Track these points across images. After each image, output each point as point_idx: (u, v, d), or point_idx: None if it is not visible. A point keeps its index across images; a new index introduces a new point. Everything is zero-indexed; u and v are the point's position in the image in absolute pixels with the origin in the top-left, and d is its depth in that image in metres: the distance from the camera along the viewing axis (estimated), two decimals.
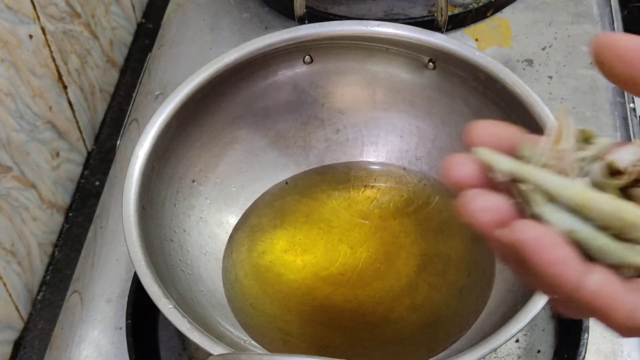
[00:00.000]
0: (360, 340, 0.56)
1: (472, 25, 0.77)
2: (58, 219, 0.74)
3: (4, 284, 0.64)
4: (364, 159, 0.66)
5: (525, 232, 0.26)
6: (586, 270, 0.26)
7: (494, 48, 0.75)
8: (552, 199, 0.27)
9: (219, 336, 0.49)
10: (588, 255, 0.26)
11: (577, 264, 0.26)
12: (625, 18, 0.81)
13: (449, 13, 0.71)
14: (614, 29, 0.76)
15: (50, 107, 0.71)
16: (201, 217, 0.61)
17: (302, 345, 0.56)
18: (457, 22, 0.76)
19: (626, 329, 0.26)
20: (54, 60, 0.72)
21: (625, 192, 0.28)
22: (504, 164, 0.27)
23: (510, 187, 0.28)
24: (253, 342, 0.56)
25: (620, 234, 0.26)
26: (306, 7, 0.67)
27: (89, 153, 0.80)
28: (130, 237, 0.51)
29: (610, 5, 0.78)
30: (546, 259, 0.25)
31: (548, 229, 0.26)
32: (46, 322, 0.68)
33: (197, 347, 0.51)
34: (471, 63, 0.59)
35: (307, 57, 0.63)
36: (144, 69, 0.77)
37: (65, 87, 0.74)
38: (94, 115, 0.81)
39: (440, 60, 0.61)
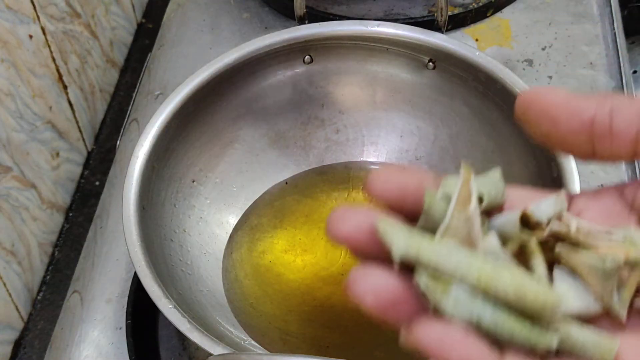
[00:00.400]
0: (360, 340, 0.56)
1: (472, 25, 0.77)
2: (58, 219, 0.74)
3: (4, 284, 0.64)
4: (364, 159, 0.66)
5: (426, 335, 0.24)
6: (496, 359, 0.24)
7: (494, 48, 0.75)
8: (454, 280, 0.24)
9: (219, 336, 0.49)
10: (499, 340, 0.25)
11: (488, 357, 0.24)
12: (625, 18, 0.81)
13: (449, 13, 0.71)
14: (614, 29, 0.76)
15: (50, 107, 0.71)
16: (201, 217, 0.61)
17: (302, 345, 0.56)
18: (457, 22, 0.76)
19: None
20: (54, 60, 0.72)
21: (545, 248, 0.27)
22: (400, 245, 0.25)
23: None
24: (253, 342, 0.56)
25: (528, 316, 0.24)
26: (306, 7, 0.67)
27: (89, 153, 0.80)
28: (130, 237, 0.51)
29: (610, 5, 0.78)
30: (452, 359, 0.24)
31: (450, 325, 0.24)
32: (46, 322, 0.68)
33: (197, 347, 0.51)
34: (471, 63, 0.59)
35: (307, 57, 0.63)
36: (144, 69, 0.77)
37: (65, 87, 0.74)
38: (94, 115, 0.81)
39: (440, 60, 0.61)
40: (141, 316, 0.58)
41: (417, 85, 0.64)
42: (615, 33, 0.76)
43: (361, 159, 0.66)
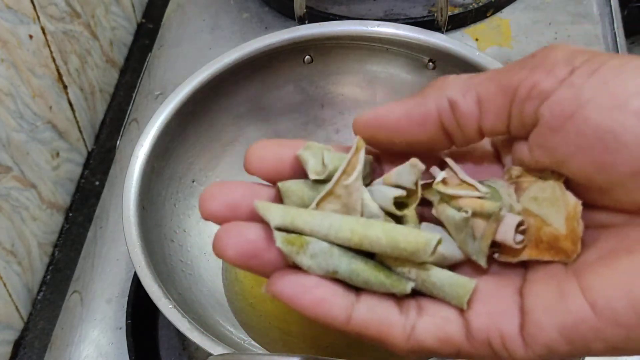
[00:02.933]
0: (360, 340, 0.56)
1: (472, 25, 0.77)
2: (58, 219, 0.74)
3: (4, 284, 0.64)
4: None
5: (279, 283, 0.26)
6: (353, 302, 0.26)
7: (494, 48, 0.75)
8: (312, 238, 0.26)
9: (219, 336, 0.49)
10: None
11: (341, 298, 0.26)
12: (625, 18, 0.81)
13: (449, 13, 0.71)
14: (614, 29, 0.76)
15: (50, 107, 0.71)
16: (201, 217, 0.61)
17: (302, 345, 0.56)
18: (457, 22, 0.76)
19: (408, 350, 0.26)
20: (54, 60, 0.72)
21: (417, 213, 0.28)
22: (277, 216, 0.27)
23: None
24: (253, 342, 0.56)
25: (404, 262, 0.26)
26: (306, 7, 0.67)
27: (89, 153, 0.80)
28: (130, 237, 0.51)
29: (610, 5, 0.78)
30: (304, 302, 0.26)
31: (303, 274, 0.26)
32: (46, 322, 0.68)
33: (197, 347, 0.51)
34: (471, 63, 0.59)
35: (307, 57, 0.63)
36: (144, 69, 0.77)
37: (65, 87, 0.74)
38: (94, 115, 0.81)
39: (440, 60, 0.61)
40: (141, 316, 0.58)
41: (417, 85, 0.64)
42: (615, 33, 0.76)
43: None
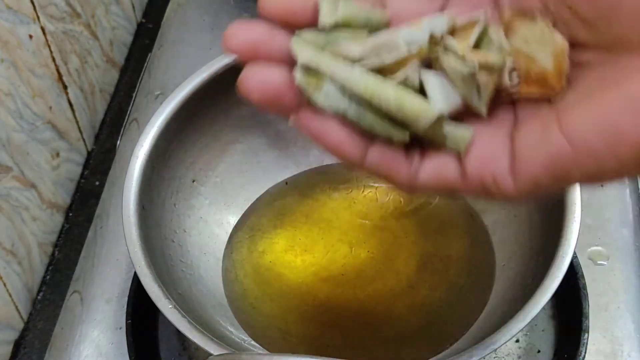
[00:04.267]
0: (361, 340, 0.56)
1: None
2: (58, 219, 0.74)
3: (4, 284, 0.64)
4: None
5: (307, 119, 0.29)
6: (366, 145, 0.29)
7: None
8: (336, 84, 0.28)
9: (219, 336, 0.49)
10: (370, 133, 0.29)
11: (356, 141, 0.29)
12: None
13: None
14: None
15: (50, 107, 0.71)
16: (201, 217, 0.61)
17: (302, 345, 0.56)
18: None
19: (411, 188, 0.30)
20: (54, 60, 0.72)
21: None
22: (304, 57, 0.28)
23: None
24: (253, 342, 0.56)
25: (405, 124, 0.29)
26: None
27: (89, 153, 0.80)
28: (130, 237, 0.51)
29: None
30: (329, 142, 0.29)
31: (324, 116, 0.29)
32: (46, 322, 0.68)
33: (197, 347, 0.51)
34: None
35: None
36: (144, 69, 0.77)
37: (65, 87, 0.74)
38: (94, 115, 0.81)
39: None
40: (141, 316, 0.58)
41: None
42: None
43: None
